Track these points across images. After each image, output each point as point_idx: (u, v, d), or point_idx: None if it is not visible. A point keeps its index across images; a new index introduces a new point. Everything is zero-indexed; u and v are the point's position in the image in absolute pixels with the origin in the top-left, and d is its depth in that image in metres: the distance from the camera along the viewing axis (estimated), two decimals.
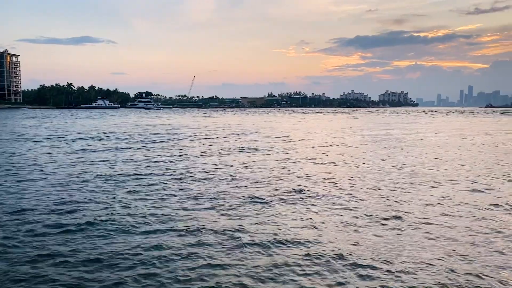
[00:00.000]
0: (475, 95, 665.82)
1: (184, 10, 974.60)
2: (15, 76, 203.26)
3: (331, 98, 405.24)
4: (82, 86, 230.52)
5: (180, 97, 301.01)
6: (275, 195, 14.55)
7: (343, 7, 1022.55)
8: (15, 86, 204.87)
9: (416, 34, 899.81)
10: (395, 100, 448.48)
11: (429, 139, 39.13)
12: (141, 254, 9.01)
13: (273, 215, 12.06)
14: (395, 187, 16.25)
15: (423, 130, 53.15)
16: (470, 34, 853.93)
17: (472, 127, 59.69)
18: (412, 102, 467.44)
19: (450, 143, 35.04)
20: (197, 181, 17.29)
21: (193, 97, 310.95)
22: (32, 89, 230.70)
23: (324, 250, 9.18)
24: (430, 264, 8.44)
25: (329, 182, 17.13)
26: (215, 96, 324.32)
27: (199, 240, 9.83)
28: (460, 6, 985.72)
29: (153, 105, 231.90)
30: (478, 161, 23.88)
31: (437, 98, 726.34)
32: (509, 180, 17.99)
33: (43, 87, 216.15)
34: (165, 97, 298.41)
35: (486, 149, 30.40)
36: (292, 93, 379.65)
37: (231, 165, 21.77)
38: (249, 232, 10.41)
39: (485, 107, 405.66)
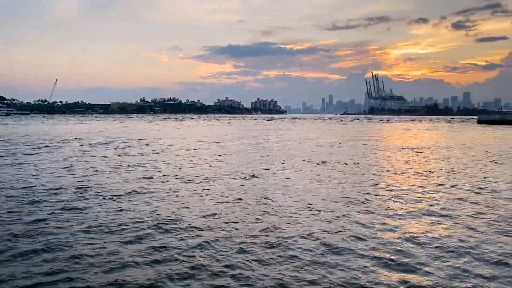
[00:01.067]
0: (334, 103, 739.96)
1: (46, 7, 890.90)
2: None
3: (206, 104, 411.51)
4: None
5: (40, 102, 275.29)
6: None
7: (215, 16, 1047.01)
8: None
9: (283, 46, 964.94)
10: (266, 108, 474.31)
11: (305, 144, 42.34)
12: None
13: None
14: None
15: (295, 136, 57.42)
16: (329, 48, 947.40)
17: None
18: (281, 110, 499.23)
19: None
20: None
21: (56, 102, 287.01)
22: None
23: None
24: None
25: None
26: (81, 101, 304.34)
27: None
28: (320, 22, 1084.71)
29: (7, 111, 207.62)
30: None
31: (303, 106, 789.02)
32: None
33: None
34: (22, 102, 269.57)
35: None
36: (166, 99, 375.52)
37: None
38: None
39: (343, 114, 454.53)
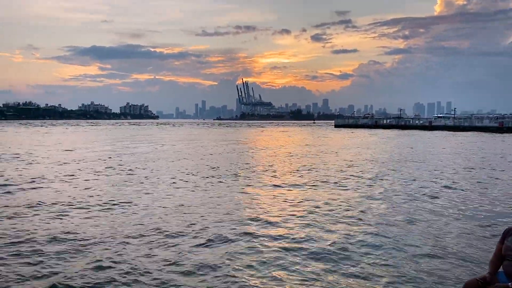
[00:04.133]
0: (208, 108, 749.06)
1: None
2: None
3: (69, 109, 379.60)
4: None
5: None
6: None
7: (75, 14, 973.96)
8: None
9: (152, 49, 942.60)
10: (137, 113, 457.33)
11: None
12: None
13: None
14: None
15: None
16: (201, 54, 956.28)
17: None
18: (153, 115, 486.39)
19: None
20: None
21: None
22: None
23: None
24: None
25: None
26: None
27: None
28: (190, 27, 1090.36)
29: None
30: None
31: (176, 111, 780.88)
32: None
33: None
34: None
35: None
36: (21, 103, 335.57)
37: None
38: None
39: (216, 119, 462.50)
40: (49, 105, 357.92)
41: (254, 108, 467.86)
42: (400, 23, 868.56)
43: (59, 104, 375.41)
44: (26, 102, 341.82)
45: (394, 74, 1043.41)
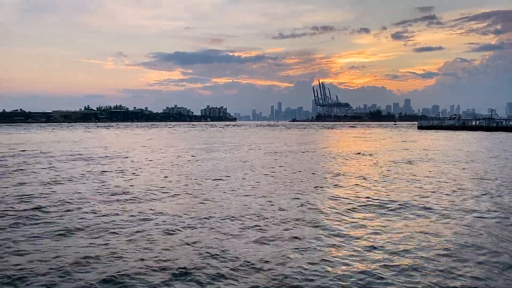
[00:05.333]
0: (283, 110, 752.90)
1: None
2: None
3: (154, 112, 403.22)
4: None
5: None
6: None
7: (160, 22, 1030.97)
8: None
9: (231, 54, 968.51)
10: (216, 115, 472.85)
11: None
12: None
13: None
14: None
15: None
16: (277, 56, 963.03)
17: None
18: (230, 117, 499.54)
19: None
20: None
21: None
22: None
23: None
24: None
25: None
26: (20, 109, 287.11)
27: None
28: (266, 30, 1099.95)
29: None
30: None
31: (252, 113, 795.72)
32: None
33: None
34: None
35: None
36: (112, 107, 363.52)
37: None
38: None
39: (291, 121, 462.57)
40: (136, 108, 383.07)
41: (330, 109, 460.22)
42: (491, 17, 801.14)
43: (146, 107, 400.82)
44: (116, 105, 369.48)
45: (483, 72, 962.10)
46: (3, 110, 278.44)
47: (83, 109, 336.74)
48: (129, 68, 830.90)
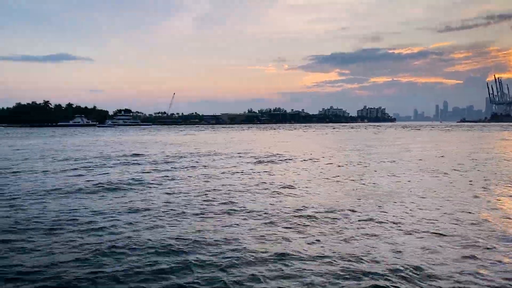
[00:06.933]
0: (450, 110, 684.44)
1: (163, 28, 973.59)
2: None
3: (310, 114, 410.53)
4: (60, 104, 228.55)
5: (160, 114, 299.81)
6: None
7: (318, 25, 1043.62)
8: None
9: (390, 51, 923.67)
10: (373, 116, 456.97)
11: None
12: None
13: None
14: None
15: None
16: (443, 51, 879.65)
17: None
18: (389, 118, 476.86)
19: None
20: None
21: (173, 114, 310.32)
22: (7, 107, 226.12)
23: None
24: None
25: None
26: (195, 112, 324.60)
27: None
28: (431, 24, 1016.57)
29: (132, 122, 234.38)
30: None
31: (414, 113, 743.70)
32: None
33: (18, 104, 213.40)
34: (145, 114, 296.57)
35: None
36: (272, 109, 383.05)
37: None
38: None
39: (459, 121, 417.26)
40: (294, 110, 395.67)
41: (509, 108, 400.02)
42: None
43: (302, 109, 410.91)
44: (275, 108, 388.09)
45: None
46: (182, 113, 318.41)
47: (246, 111, 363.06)
48: (288, 72, 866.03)
